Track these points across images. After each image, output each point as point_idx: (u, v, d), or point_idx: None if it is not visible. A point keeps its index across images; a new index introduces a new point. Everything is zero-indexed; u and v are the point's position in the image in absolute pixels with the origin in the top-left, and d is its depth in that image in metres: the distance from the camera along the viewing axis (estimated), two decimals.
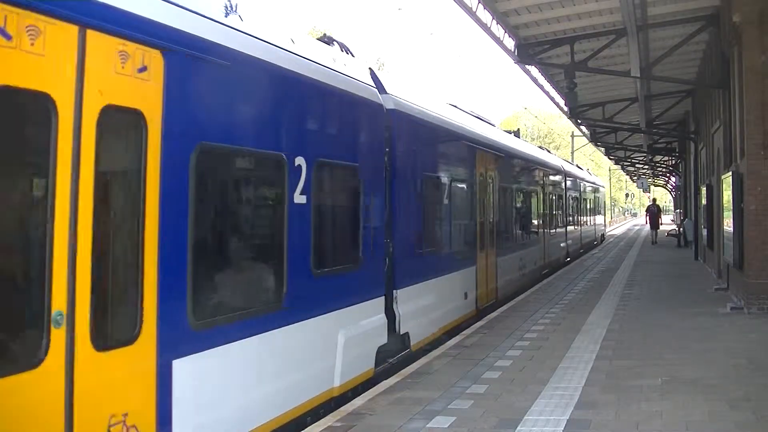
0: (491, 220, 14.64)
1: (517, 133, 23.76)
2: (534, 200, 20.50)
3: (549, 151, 28.79)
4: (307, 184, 6.86)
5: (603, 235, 42.79)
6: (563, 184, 26.09)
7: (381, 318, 8.85)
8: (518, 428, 6.41)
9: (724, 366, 8.72)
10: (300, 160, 6.81)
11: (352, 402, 7.48)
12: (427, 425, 6.55)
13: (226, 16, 5.97)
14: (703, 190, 21.68)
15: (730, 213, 14.07)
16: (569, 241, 27.07)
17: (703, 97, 22.23)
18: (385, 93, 9.44)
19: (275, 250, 6.61)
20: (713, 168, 19.45)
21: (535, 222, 20.50)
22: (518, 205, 18.13)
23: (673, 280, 18.98)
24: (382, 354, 8.84)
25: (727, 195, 14.47)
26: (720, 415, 6.71)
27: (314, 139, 7.35)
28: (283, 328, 6.54)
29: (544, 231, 21.44)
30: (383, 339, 8.83)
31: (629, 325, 11.73)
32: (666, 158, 43.85)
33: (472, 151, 13.45)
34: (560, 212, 25.47)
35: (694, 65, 21.78)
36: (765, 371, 8.46)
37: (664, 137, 34.67)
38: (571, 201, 28.49)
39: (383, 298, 8.90)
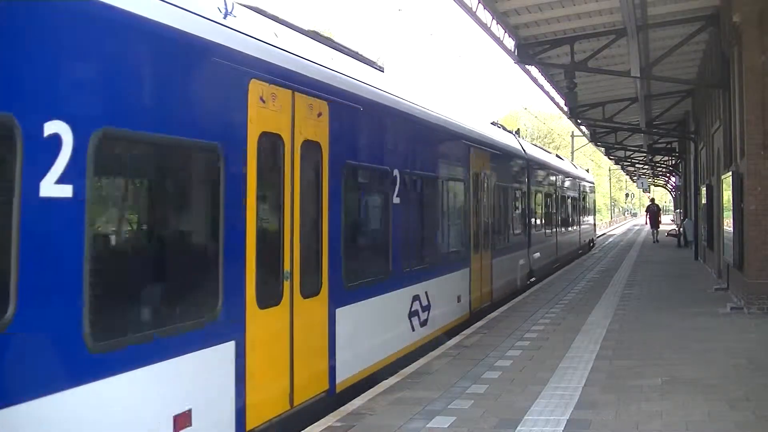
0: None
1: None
2: (465, 198, 13.18)
3: (506, 130, 20.36)
4: None
5: (592, 240, 36.85)
6: (525, 177, 19.26)
7: None
8: (518, 428, 6.41)
9: (724, 366, 8.73)
10: None
11: (351, 402, 7.47)
12: (427, 425, 6.55)
13: None
14: (703, 190, 21.71)
15: (730, 213, 14.08)
16: (535, 255, 19.90)
17: (703, 97, 22.24)
18: None
19: None
20: (713, 168, 19.46)
21: (467, 231, 13.26)
22: (427, 204, 11.21)
23: (673, 280, 18.98)
24: None
25: (727, 195, 14.48)
26: (720, 415, 6.72)
27: None
28: None
29: (482, 244, 14.12)
30: None
31: (629, 325, 11.73)
32: (666, 158, 43.88)
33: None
34: (520, 216, 18.56)
35: (694, 65, 21.80)
36: (765, 371, 8.46)
37: (664, 137, 34.70)
38: (539, 200, 21.70)
39: None
